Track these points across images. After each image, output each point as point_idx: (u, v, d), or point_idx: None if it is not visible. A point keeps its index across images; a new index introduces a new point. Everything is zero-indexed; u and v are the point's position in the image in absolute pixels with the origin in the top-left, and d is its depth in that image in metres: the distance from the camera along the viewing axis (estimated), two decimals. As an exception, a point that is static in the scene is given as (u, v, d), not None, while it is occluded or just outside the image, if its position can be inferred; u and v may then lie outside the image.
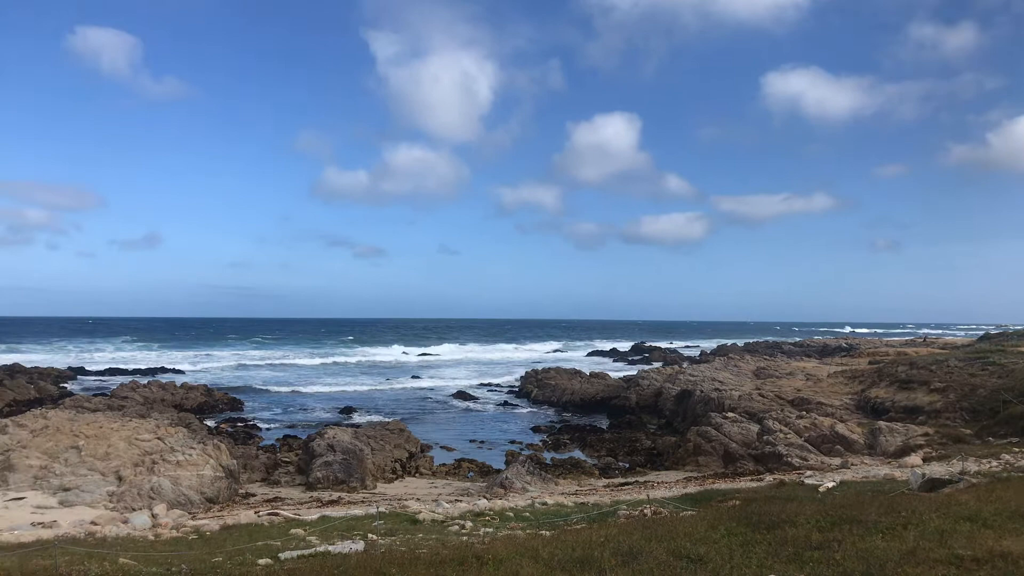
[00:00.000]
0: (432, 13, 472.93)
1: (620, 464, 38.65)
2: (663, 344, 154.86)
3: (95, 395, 56.89)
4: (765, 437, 35.98)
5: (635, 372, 75.65)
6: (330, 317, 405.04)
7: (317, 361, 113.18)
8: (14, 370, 75.03)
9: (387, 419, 46.87)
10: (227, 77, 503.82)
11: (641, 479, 33.98)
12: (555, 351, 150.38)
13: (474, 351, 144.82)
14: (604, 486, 31.90)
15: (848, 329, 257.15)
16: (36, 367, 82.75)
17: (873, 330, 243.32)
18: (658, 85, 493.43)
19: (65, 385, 73.34)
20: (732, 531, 12.07)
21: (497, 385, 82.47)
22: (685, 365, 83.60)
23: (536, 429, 51.25)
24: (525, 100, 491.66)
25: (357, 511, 23.76)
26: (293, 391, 73.92)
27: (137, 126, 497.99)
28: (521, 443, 44.98)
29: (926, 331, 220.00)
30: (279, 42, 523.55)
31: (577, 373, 74.59)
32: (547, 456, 40.49)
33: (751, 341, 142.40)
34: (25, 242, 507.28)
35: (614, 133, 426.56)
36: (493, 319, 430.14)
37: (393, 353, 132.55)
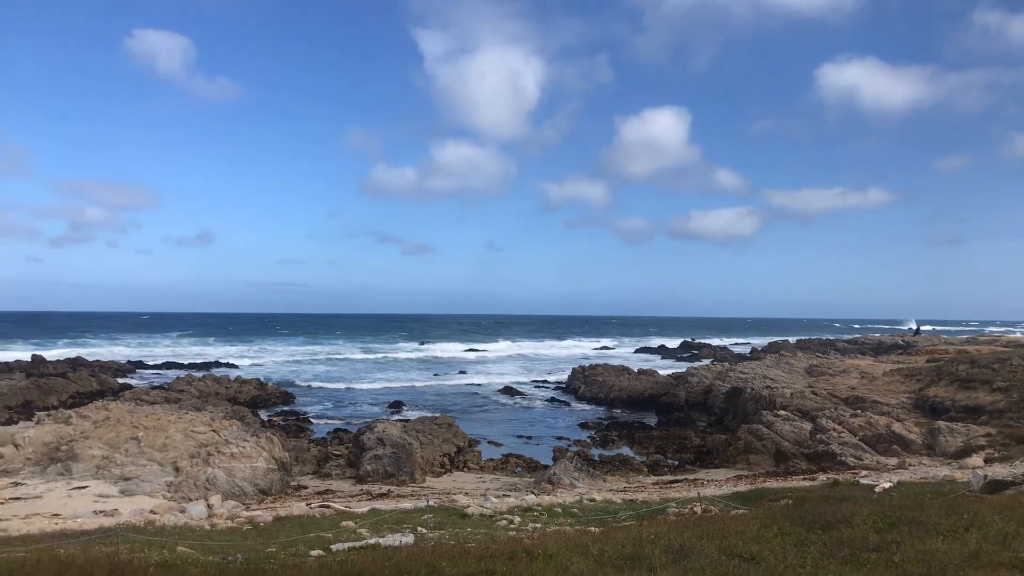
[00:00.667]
0: (479, 10, 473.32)
1: (669, 462, 38.31)
2: (713, 341, 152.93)
3: (153, 388, 58.55)
4: (818, 436, 35.26)
5: (684, 369, 74.81)
6: (379, 313, 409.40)
7: (366, 356, 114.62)
8: (77, 363, 77.78)
9: (435, 414, 47.23)
10: (277, 77, 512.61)
11: (691, 477, 33.64)
12: (603, 348, 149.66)
13: (521, 347, 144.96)
14: (653, 483, 31.65)
15: (914, 326, 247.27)
16: (98, 360, 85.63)
17: (933, 327, 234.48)
18: (709, 78, 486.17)
19: (124, 379, 75.58)
20: (785, 530, 11.84)
21: (544, 381, 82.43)
22: (736, 363, 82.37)
23: (584, 425, 51.08)
24: (573, 95, 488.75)
25: (406, 504, 24.00)
26: (344, 386, 74.99)
27: (191, 126, 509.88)
28: (568, 439, 44.89)
29: (991, 328, 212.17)
30: (328, 42, 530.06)
31: (625, 370, 74.12)
32: (595, 452, 40.35)
33: (803, 338, 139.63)
34: (87, 239, 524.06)
35: (663, 127, 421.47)
36: (540, 315, 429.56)
37: (441, 349, 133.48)
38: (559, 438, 45.44)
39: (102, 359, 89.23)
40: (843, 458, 32.17)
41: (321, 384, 75.97)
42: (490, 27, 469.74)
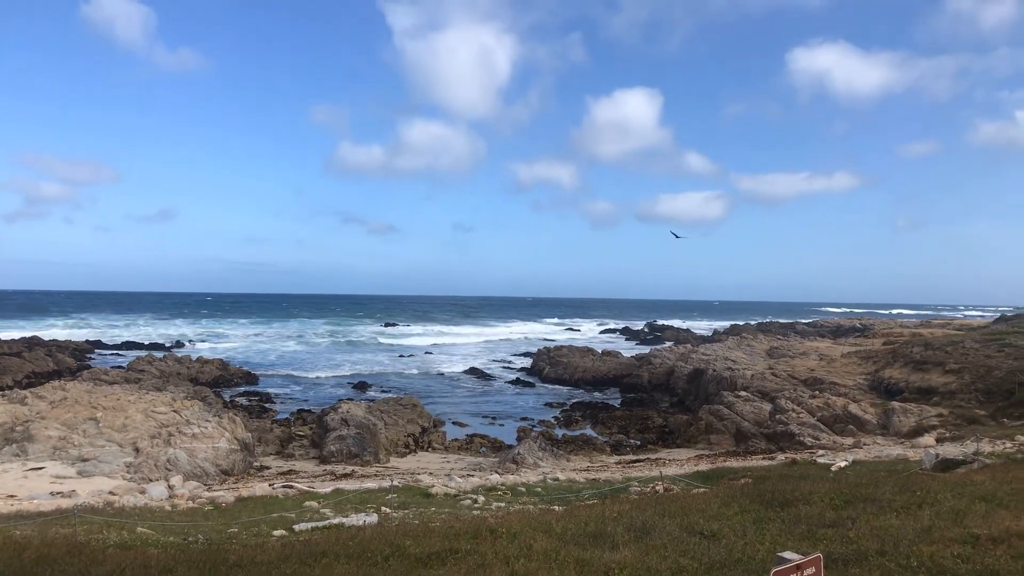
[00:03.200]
0: None
1: (631, 441, 38.74)
2: (677, 323, 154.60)
3: (112, 368, 57.46)
4: (777, 416, 35.92)
5: (648, 351, 75.60)
6: (345, 294, 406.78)
7: (331, 338, 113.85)
8: (32, 343, 75.94)
9: (400, 395, 47.14)
10: (240, 48, 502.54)
11: (653, 456, 34.07)
12: (568, 329, 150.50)
13: (487, 329, 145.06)
14: (616, 463, 32.01)
15: (896, 311, 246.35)
16: (54, 340, 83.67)
17: (917, 311, 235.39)
18: (682, 60, 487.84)
19: (82, 359, 74.05)
20: (745, 508, 12.06)
21: (509, 363, 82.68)
22: (698, 344, 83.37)
23: (548, 406, 51.43)
24: (544, 74, 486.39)
25: (371, 484, 23.98)
26: (308, 366, 74.44)
27: (152, 98, 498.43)
28: (533, 420, 45.16)
29: (966, 312, 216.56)
30: (293, 12, 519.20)
31: (589, 351, 74.65)
32: (559, 432, 40.66)
33: (764, 321, 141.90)
34: (41, 215, 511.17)
35: (635, 109, 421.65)
36: (507, 297, 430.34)
37: (407, 330, 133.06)
38: (523, 419, 45.69)
39: (59, 339, 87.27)
40: (801, 438, 32.84)
41: (285, 365, 75.34)
42: (461, 3, 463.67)
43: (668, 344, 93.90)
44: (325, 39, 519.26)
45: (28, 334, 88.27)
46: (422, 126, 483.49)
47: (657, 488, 19.94)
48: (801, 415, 35.77)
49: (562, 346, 79.46)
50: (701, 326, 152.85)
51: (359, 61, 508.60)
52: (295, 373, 69.02)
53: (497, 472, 28.51)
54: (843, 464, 22.50)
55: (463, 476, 27.12)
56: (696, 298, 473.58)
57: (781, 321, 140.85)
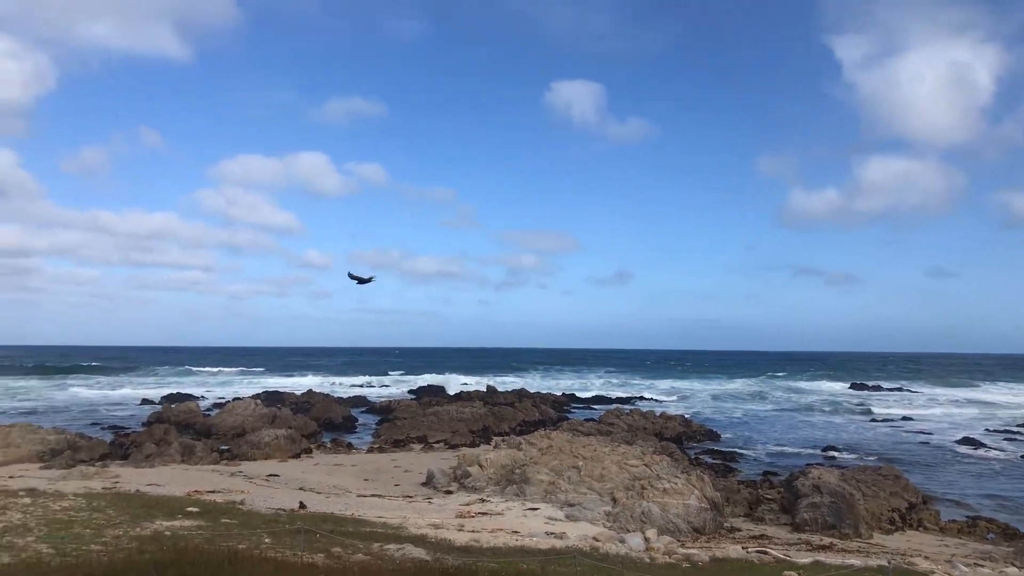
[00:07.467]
0: (906, 4, 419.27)
1: None
2: None
3: (586, 420, 62.70)
4: None
5: None
6: (800, 350, 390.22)
7: (792, 395, 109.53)
8: (521, 394, 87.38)
9: (877, 464, 42.40)
10: (685, 111, 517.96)
11: None
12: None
13: (976, 392, 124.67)
14: None
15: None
16: (538, 392, 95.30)
17: None
18: None
19: (560, 411, 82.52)
20: None
21: (1016, 433, 69.21)
22: None
23: (1078, 489, 41.43)
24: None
25: (854, 561, 21.68)
26: (767, 425, 72.16)
27: (605, 168, 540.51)
28: (1058, 504, 36.68)
29: None
30: (733, 64, 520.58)
31: None
32: (1102, 525, 32.27)
33: None
34: (520, 284, 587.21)
35: None
36: (1002, 355, 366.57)
37: (875, 393, 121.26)
38: (1043, 502, 37.44)
39: (540, 391, 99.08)
40: None
41: (744, 424, 74.11)
42: (922, 20, 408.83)
43: None
44: (767, 86, 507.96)
45: (516, 386, 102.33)
46: (882, 163, 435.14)
47: None
48: None
49: (1089, 414, 64.00)
50: None
51: (804, 103, 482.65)
52: (754, 433, 67.22)
53: (1015, 565, 23.64)
54: None
55: (969, 565, 23.01)
56: None
57: None
